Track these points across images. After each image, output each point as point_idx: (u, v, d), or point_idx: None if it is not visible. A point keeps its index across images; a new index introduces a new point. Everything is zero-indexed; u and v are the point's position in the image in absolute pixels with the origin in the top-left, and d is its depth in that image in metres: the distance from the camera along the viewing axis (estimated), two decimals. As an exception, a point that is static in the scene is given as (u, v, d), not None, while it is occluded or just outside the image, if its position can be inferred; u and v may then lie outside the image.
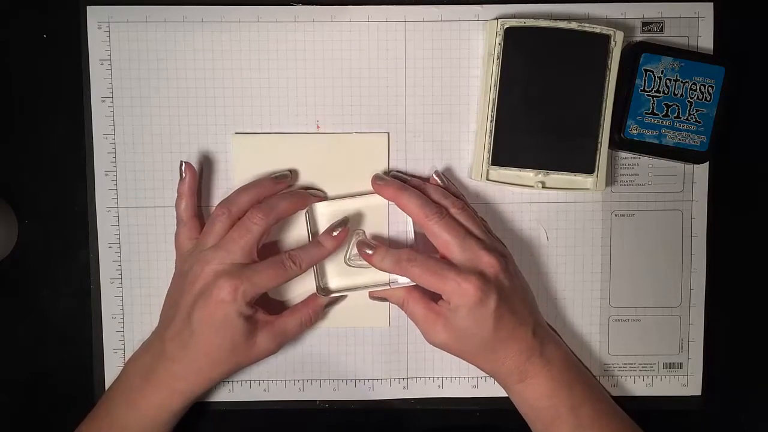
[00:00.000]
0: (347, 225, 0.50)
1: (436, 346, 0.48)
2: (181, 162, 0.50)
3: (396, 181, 0.50)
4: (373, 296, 0.50)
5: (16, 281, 0.52)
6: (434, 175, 0.51)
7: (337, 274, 0.51)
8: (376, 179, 0.50)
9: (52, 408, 0.53)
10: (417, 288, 0.48)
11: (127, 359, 0.50)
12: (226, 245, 0.47)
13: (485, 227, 0.50)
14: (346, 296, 0.51)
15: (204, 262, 0.47)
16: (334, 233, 0.49)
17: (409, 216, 0.49)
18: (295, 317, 0.49)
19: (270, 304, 0.51)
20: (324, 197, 0.51)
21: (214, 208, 0.49)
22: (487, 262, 0.46)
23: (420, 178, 0.51)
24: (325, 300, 0.50)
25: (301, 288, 0.52)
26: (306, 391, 0.53)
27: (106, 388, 0.51)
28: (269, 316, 0.49)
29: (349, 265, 0.51)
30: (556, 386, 0.48)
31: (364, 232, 0.51)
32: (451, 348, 0.48)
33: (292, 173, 0.51)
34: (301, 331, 0.50)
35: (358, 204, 0.51)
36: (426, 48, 0.51)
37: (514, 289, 0.48)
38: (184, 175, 0.50)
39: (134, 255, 0.52)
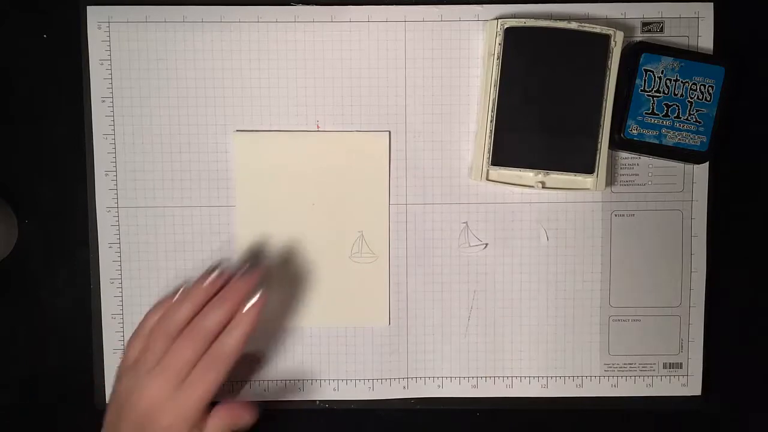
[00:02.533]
0: (262, 295, 0.47)
1: None
2: (180, 286, 0.48)
3: None
4: None
5: (16, 281, 0.52)
6: None
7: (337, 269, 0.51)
8: None
9: (52, 408, 0.53)
10: None
11: None
12: (163, 371, 0.45)
13: None
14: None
15: (141, 389, 0.45)
16: (252, 306, 0.47)
17: None
18: (215, 422, 0.46)
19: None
20: (252, 281, 0.47)
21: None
22: None
23: None
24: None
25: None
26: (306, 391, 0.53)
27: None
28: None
29: (354, 262, 0.51)
30: None
31: (362, 233, 0.51)
32: None
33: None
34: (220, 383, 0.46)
35: (357, 201, 0.51)
36: (426, 48, 0.51)
37: None
38: (176, 296, 0.48)
39: (134, 255, 0.52)
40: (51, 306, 0.53)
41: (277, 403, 0.53)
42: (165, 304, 0.48)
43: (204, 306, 0.47)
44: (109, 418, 0.47)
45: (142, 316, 0.49)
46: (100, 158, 0.52)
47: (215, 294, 0.47)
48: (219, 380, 0.45)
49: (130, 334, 0.50)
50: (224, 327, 0.46)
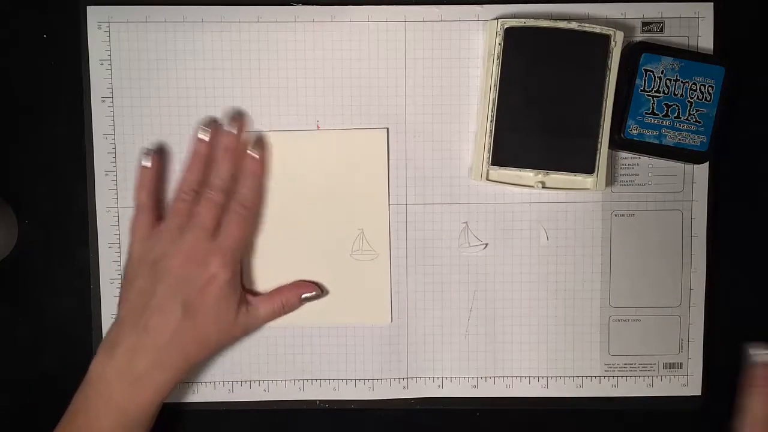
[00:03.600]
0: (263, 147, 0.51)
1: None
2: (143, 149, 0.50)
3: None
4: (753, 351, 0.47)
5: (16, 281, 0.52)
6: None
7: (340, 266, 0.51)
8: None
9: (52, 408, 0.53)
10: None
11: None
12: (192, 228, 0.48)
13: None
14: (325, 294, 0.52)
15: (177, 250, 0.47)
16: (255, 156, 0.50)
17: None
18: (267, 305, 0.50)
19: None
20: (243, 122, 0.51)
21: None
22: None
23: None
24: (305, 293, 0.51)
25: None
26: (306, 391, 0.53)
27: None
28: (249, 296, 0.50)
29: (354, 260, 0.51)
30: None
31: (362, 231, 0.51)
32: None
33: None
34: (271, 318, 0.51)
35: (357, 199, 0.51)
36: (426, 48, 0.51)
37: None
38: (147, 164, 0.50)
39: (134, 255, 0.52)
40: (51, 306, 0.53)
41: (277, 403, 0.53)
42: (145, 182, 0.50)
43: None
44: (130, 287, 0.48)
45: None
46: (100, 158, 0.52)
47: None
48: (246, 231, 0.49)
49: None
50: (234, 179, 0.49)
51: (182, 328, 0.47)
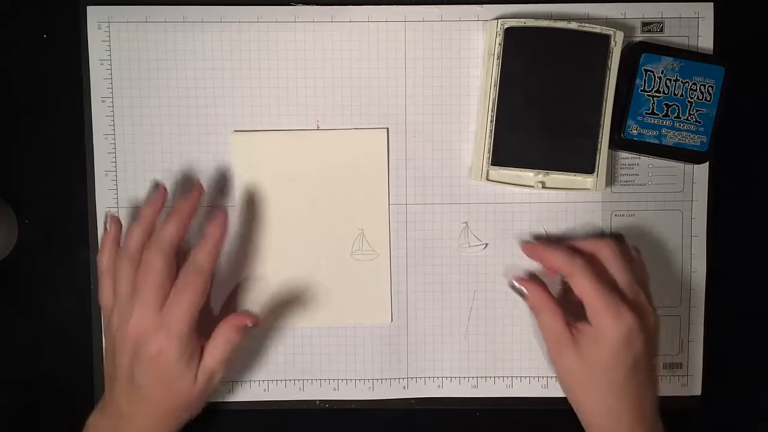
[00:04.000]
0: (225, 209, 0.49)
1: (558, 369, 0.48)
2: (106, 214, 0.50)
3: (540, 243, 0.50)
4: (514, 284, 0.50)
5: (16, 281, 0.52)
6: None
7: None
8: (524, 243, 0.51)
9: (52, 408, 0.53)
10: (552, 298, 0.48)
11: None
12: (138, 295, 0.46)
13: (642, 287, 0.48)
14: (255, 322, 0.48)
15: (125, 321, 0.46)
16: (215, 221, 0.48)
17: (558, 271, 0.48)
18: (216, 345, 0.47)
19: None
20: (199, 189, 0.49)
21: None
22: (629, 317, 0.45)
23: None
24: (248, 319, 0.48)
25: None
26: (306, 391, 0.53)
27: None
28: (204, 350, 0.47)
29: (354, 260, 0.51)
30: None
31: (362, 231, 0.51)
32: (573, 376, 0.47)
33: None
34: (225, 361, 0.47)
35: (357, 199, 0.51)
36: (426, 48, 0.51)
37: (653, 349, 0.47)
38: (108, 227, 0.49)
39: (134, 255, 0.52)
40: (51, 306, 0.53)
41: (277, 403, 0.53)
42: (106, 245, 0.49)
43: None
44: (106, 356, 0.48)
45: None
46: (100, 158, 0.52)
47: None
48: (198, 298, 0.46)
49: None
50: (182, 239, 0.47)
51: (144, 398, 0.46)
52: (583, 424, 0.48)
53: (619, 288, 0.47)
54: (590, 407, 0.47)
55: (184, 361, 0.45)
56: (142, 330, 0.45)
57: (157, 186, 0.49)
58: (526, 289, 0.49)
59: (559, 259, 0.48)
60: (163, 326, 0.45)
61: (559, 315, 0.47)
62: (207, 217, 0.50)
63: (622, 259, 0.48)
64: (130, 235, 0.47)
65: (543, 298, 0.48)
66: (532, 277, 0.51)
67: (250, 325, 0.47)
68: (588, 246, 0.49)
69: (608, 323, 0.45)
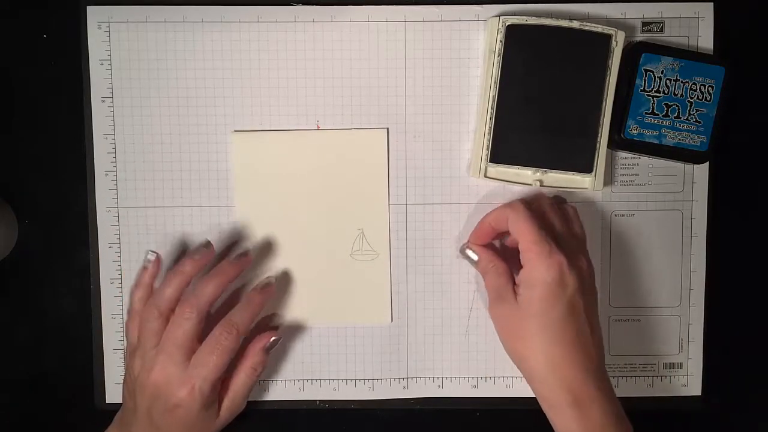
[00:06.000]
0: (273, 282, 0.50)
1: (496, 321, 0.47)
2: (148, 251, 0.50)
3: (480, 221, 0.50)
4: (465, 251, 0.50)
5: (16, 281, 0.52)
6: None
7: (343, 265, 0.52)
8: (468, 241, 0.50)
9: (52, 408, 0.53)
10: (501, 259, 0.48)
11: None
12: (165, 348, 0.46)
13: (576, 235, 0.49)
14: (279, 339, 0.50)
15: (148, 370, 0.46)
16: (262, 288, 0.49)
17: (502, 224, 0.48)
18: (240, 378, 0.48)
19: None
20: (246, 254, 0.49)
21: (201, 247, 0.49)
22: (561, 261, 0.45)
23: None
24: (267, 342, 0.49)
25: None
26: (306, 391, 0.53)
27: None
28: (223, 390, 0.48)
29: (354, 259, 0.51)
30: (608, 422, 0.45)
31: (362, 231, 0.51)
32: (510, 324, 0.46)
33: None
34: (251, 386, 0.49)
35: (357, 199, 0.51)
36: (426, 48, 0.51)
37: (591, 297, 0.47)
38: (147, 266, 0.49)
39: (134, 255, 0.52)
40: (51, 306, 0.53)
41: (277, 403, 0.53)
42: (143, 281, 0.49)
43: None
44: (125, 400, 0.48)
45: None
46: (100, 158, 0.52)
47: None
48: (227, 359, 0.46)
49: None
50: (216, 299, 0.48)
51: None
52: (528, 383, 0.47)
53: (554, 235, 0.46)
54: (529, 358, 0.45)
55: (204, 411, 0.46)
56: (165, 383, 0.45)
57: (207, 246, 0.49)
58: (477, 254, 0.49)
59: (501, 211, 0.48)
60: (187, 382, 0.45)
61: (504, 273, 0.48)
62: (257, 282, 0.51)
63: (558, 210, 0.48)
64: (166, 286, 0.47)
65: (492, 259, 0.48)
66: (483, 244, 0.50)
67: (273, 340, 0.49)
68: (527, 198, 0.49)
69: (540, 264, 0.45)
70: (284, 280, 0.52)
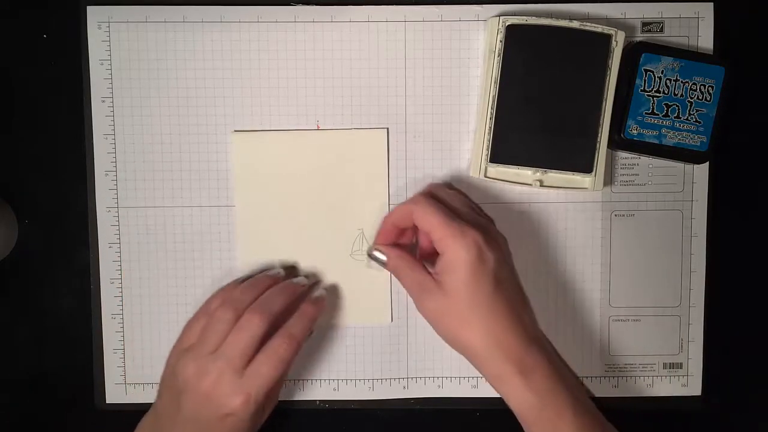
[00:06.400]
0: (324, 294, 0.50)
1: (428, 316, 0.47)
2: (279, 268, 0.51)
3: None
4: (373, 254, 0.49)
5: (16, 281, 0.52)
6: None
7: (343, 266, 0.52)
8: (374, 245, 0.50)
9: (52, 408, 0.53)
10: (411, 254, 0.48)
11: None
12: (225, 352, 0.45)
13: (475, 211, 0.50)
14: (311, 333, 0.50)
15: (203, 374, 0.45)
16: (315, 300, 0.49)
17: (407, 221, 0.48)
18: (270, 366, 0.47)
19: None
20: (306, 284, 0.50)
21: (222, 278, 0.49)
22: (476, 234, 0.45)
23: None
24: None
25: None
26: (306, 391, 0.53)
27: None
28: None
29: (354, 260, 0.51)
30: (554, 385, 0.45)
31: (362, 231, 0.52)
32: (444, 316, 0.46)
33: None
34: (283, 382, 0.50)
35: (357, 199, 0.51)
36: (426, 48, 0.51)
37: (511, 268, 0.48)
38: (270, 276, 0.50)
39: (134, 255, 0.52)
40: (51, 306, 0.53)
41: (277, 403, 0.53)
42: (228, 290, 0.49)
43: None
44: (164, 399, 0.47)
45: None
46: (100, 158, 0.52)
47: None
48: (284, 370, 0.46)
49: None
50: (284, 311, 0.48)
51: None
52: (473, 364, 0.47)
53: (458, 214, 0.47)
54: (473, 342, 0.45)
55: (254, 418, 0.46)
56: (219, 390, 0.45)
57: (281, 271, 0.51)
58: (385, 253, 0.48)
59: (403, 208, 0.48)
60: (242, 391, 0.45)
61: (416, 265, 0.47)
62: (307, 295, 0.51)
63: (448, 188, 0.49)
64: (246, 293, 0.48)
65: (402, 257, 0.48)
66: (389, 245, 0.49)
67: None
68: (423, 192, 0.49)
69: (456, 246, 0.45)
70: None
